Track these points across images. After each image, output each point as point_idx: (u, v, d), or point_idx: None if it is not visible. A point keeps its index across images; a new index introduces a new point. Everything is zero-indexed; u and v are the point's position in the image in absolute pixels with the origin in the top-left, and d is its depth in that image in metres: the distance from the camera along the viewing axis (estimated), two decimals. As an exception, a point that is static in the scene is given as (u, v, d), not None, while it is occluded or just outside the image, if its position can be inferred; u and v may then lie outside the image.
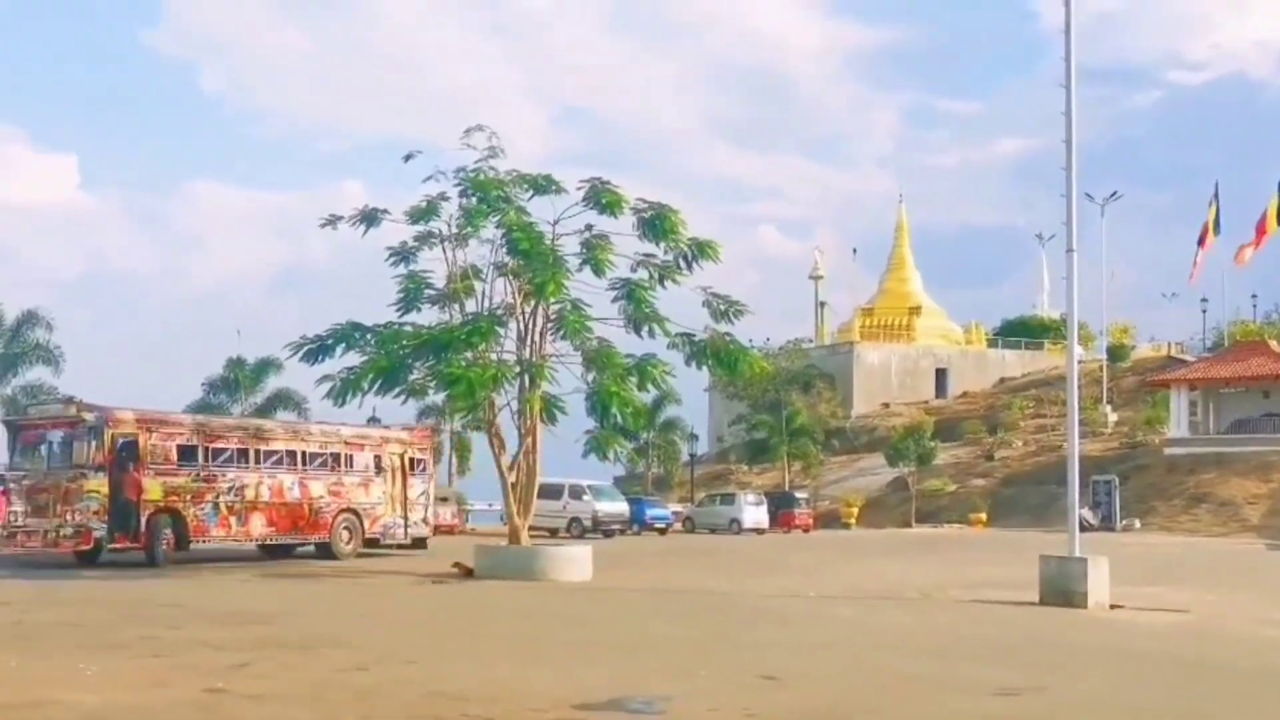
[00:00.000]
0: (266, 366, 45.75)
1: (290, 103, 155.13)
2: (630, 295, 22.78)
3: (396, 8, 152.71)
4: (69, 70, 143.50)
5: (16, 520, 24.28)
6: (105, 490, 23.63)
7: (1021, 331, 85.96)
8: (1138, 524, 49.82)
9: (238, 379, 46.61)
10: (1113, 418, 65.59)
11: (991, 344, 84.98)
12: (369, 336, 23.07)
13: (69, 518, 23.59)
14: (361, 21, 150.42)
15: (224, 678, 10.15)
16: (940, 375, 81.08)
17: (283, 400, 45.87)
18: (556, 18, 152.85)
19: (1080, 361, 34.26)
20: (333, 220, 23.97)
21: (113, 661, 11.01)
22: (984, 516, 54.73)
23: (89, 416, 24.18)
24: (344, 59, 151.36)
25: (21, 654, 11.42)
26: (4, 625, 13.74)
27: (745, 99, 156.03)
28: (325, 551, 27.25)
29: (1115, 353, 73.25)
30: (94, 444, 23.84)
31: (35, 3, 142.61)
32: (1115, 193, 69.28)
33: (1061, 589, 19.11)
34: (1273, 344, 58.05)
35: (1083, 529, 22.00)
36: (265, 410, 44.43)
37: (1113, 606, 18.90)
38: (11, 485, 25.21)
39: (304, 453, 27.38)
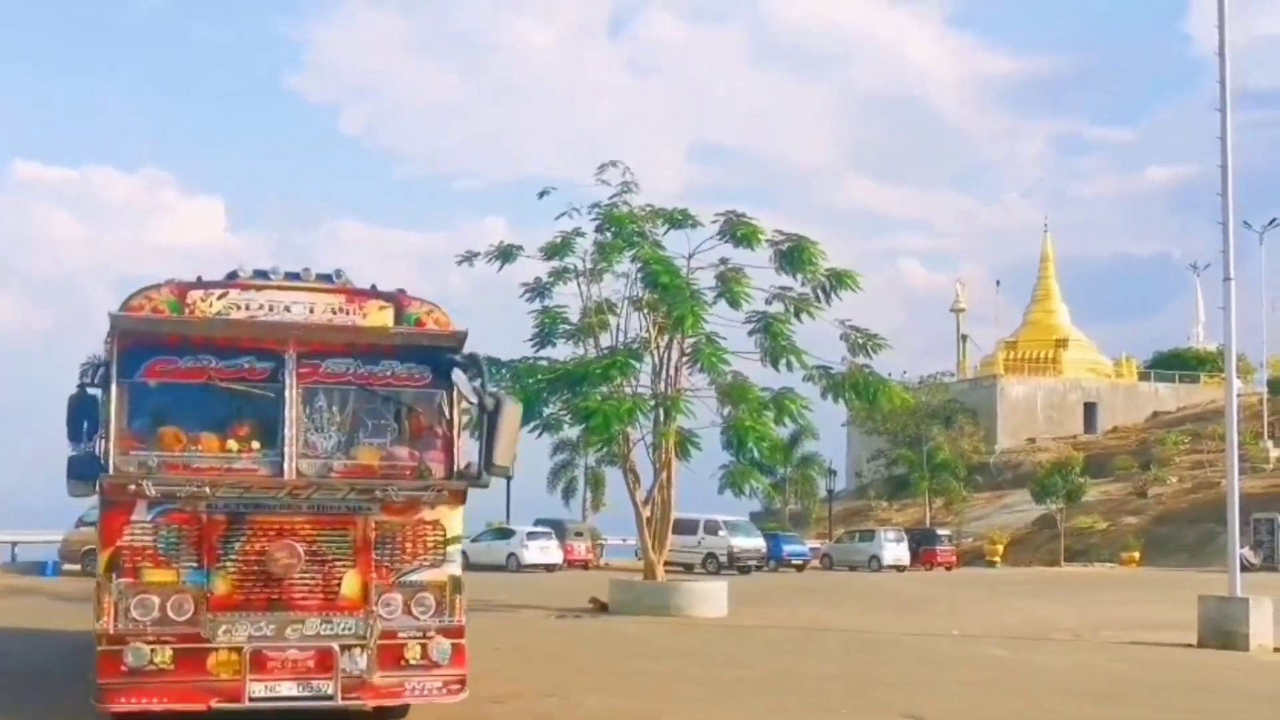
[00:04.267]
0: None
1: (429, 143, 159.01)
2: (766, 328, 22.54)
3: (535, 46, 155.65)
4: (215, 115, 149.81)
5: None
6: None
7: (1175, 364, 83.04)
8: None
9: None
10: (1275, 453, 62.77)
11: (1143, 377, 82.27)
12: (504, 371, 23.20)
13: None
14: (499, 61, 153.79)
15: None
16: (1089, 409, 78.69)
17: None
18: (694, 52, 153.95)
19: (1239, 394, 32.86)
20: (469, 257, 24.26)
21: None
22: (1136, 555, 52.75)
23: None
24: (482, 98, 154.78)
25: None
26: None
27: (887, 131, 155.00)
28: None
29: (1276, 386, 70.19)
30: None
31: (183, 51, 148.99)
32: (1275, 219, 66.58)
33: (1222, 630, 18.24)
34: None
35: (1243, 568, 21.02)
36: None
37: (1276, 649, 17.97)
38: None
39: None
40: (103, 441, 8.65)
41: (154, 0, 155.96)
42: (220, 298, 8.85)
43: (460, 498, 9.02)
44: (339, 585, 8.67)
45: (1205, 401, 73.79)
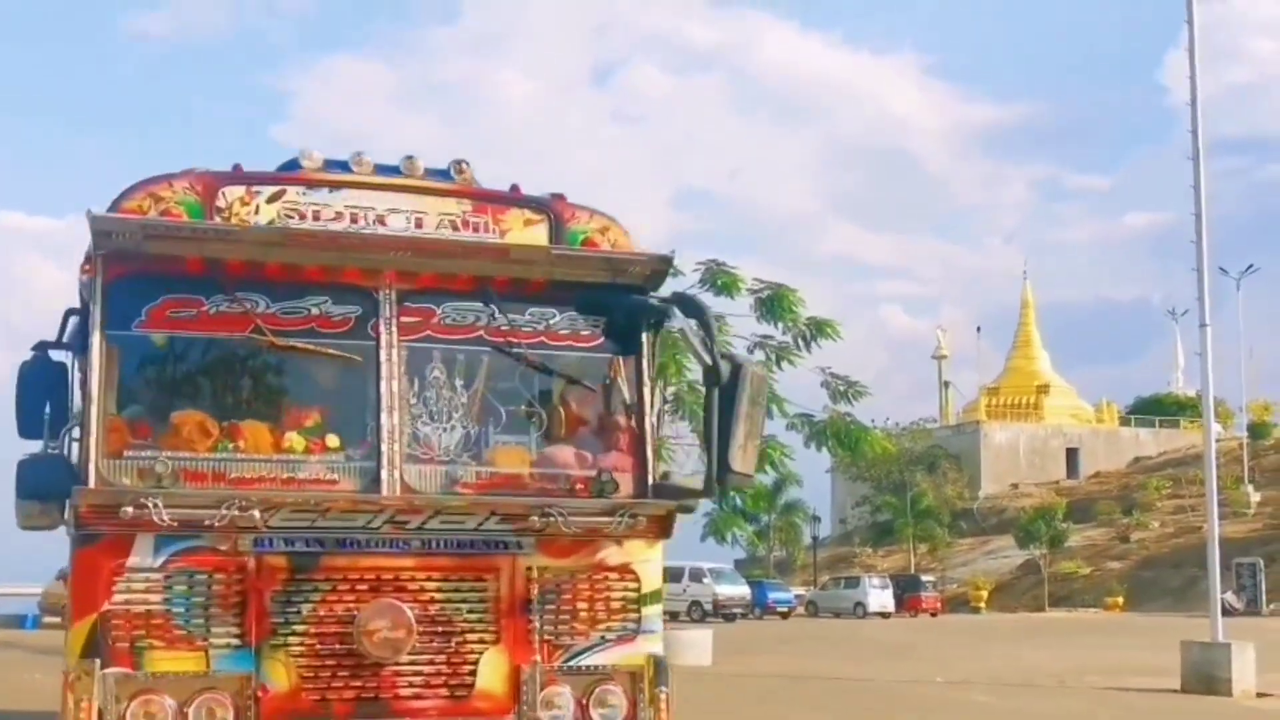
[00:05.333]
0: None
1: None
2: (748, 376, 22.59)
3: (517, 95, 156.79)
4: (198, 160, 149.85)
5: None
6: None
7: (1156, 409, 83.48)
8: (1286, 608, 47.53)
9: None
10: (1256, 498, 63.01)
11: (1125, 422, 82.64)
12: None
13: None
14: (482, 110, 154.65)
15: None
16: (1071, 455, 78.99)
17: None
18: (678, 102, 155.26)
19: (1219, 439, 33.11)
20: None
21: None
22: (1120, 600, 52.82)
23: None
24: (465, 148, 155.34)
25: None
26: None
27: (869, 178, 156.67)
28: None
29: (1256, 430, 70.61)
30: None
31: (165, 99, 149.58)
32: (1251, 266, 67.31)
33: (1205, 676, 18.27)
34: None
35: (1227, 613, 21.10)
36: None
37: (1260, 695, 18.01)
38: None
39: None
40: (77, 437, 5.49)
41: (143, 55, 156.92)
42: (272, 200, 5.63)
43: (662, 527, 5.83)
44: (472, 674, 5.47)
45: (1186, 446, 74.13)
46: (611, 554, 5.74)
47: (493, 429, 5.86)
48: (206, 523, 5.18)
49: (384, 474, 5.49)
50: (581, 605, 5.69)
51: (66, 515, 5.46)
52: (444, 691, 5.46)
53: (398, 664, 5.38)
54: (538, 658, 5.54)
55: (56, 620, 29.51)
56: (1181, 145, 20.08)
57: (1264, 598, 48.17)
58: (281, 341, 5.55)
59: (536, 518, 5.53)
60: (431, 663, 5.45)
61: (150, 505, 5.09)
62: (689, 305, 6.08)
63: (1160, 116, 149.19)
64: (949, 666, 22.55)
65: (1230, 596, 39.07)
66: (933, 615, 48.94)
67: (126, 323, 5.42)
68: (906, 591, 50.24)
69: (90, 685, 5.05)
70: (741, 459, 5.77)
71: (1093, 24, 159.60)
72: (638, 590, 5.82)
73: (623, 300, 6.01)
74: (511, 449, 5.89)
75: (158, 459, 5.29)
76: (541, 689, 5.51)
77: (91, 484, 5.20)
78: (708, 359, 5.78)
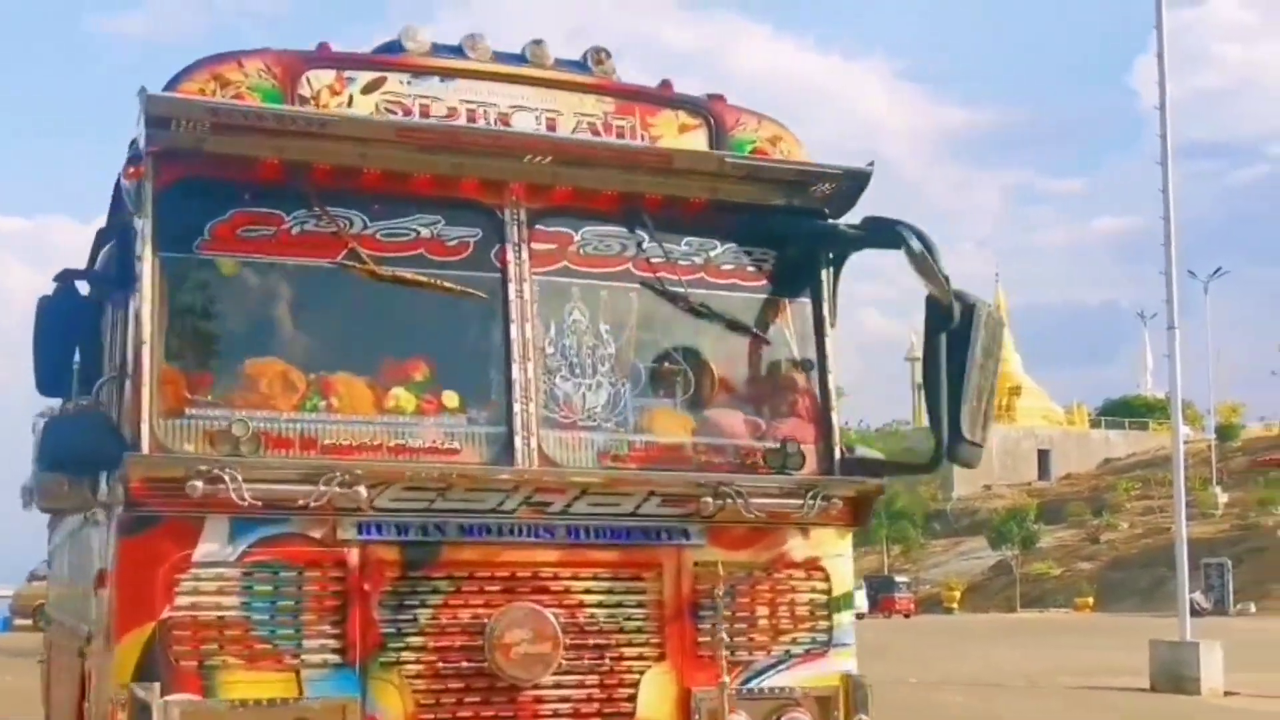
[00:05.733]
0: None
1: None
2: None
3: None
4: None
5: None
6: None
7: (1125, 411, 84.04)
8: (1253, 608, 48.02)
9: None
10: (1223, 499, 63.56)
11: (1095, 424, 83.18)
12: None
13: None
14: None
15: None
16: (1042, 456, 79.44)
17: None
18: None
19: (1187, 441, 33.43)
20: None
21: None
22: (1090, 600, 53.23)
23: None
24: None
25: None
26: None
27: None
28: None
29: (1224, 432, 71.20)
30: None
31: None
32: (1219, 269, 68.00)
33: (1173, 675, 18.48)
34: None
35: (1195, 613, 21.33)
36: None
37: (1227, 693, 18.22)
38: None
39: None
40: (122, 389, 4.37)
41: (116, 59, 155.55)
42: (369, 89, 4.49)
43: (858, 512, 4.78)
44: (631, 699, 4.41)
45: (1155, 448, 74.66)
46: (796, 546, 4.66)
47: (644, 387, 4.72)
48: (301, 502, 4.07)
49: (518, 442, 4.36)
50: (761, 611, 4.61)
51: (103, 493, 4.34)
52: None
53: (539, 687, 4.28)
54: (726, 679, 4.37)
55: (28, 623, 29.38)
56: (1151, 149, 20.25)
57: (1231, 598, 48.63)
58: (384, 270, 4.39)
59: (710, 498, 4.43)
60: (581, 685, 4.34)
61: (228, 478, 3.97)
62: (899, 232, 4.66)
63: (1131, 121, 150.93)
64: (924, 667, 22.68)
65: (1198, 596, 39.43)
66: (906, 616, 49.19)
67: (186, 243, 4.26)
68: (880, 592, 50.48)
69: (148, 718, 3.89)
70: (973, 424, 4.66)
71: (1064, 29, 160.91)
72: (827, 592, 4.74)
73: (805, 227, 4.89)
74: (668, 412, 4.73)
75: (234, 419, 4.12)
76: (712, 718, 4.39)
77: (144, 449, 4.03)
78: (940, 294, 4.64)
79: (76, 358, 4.59)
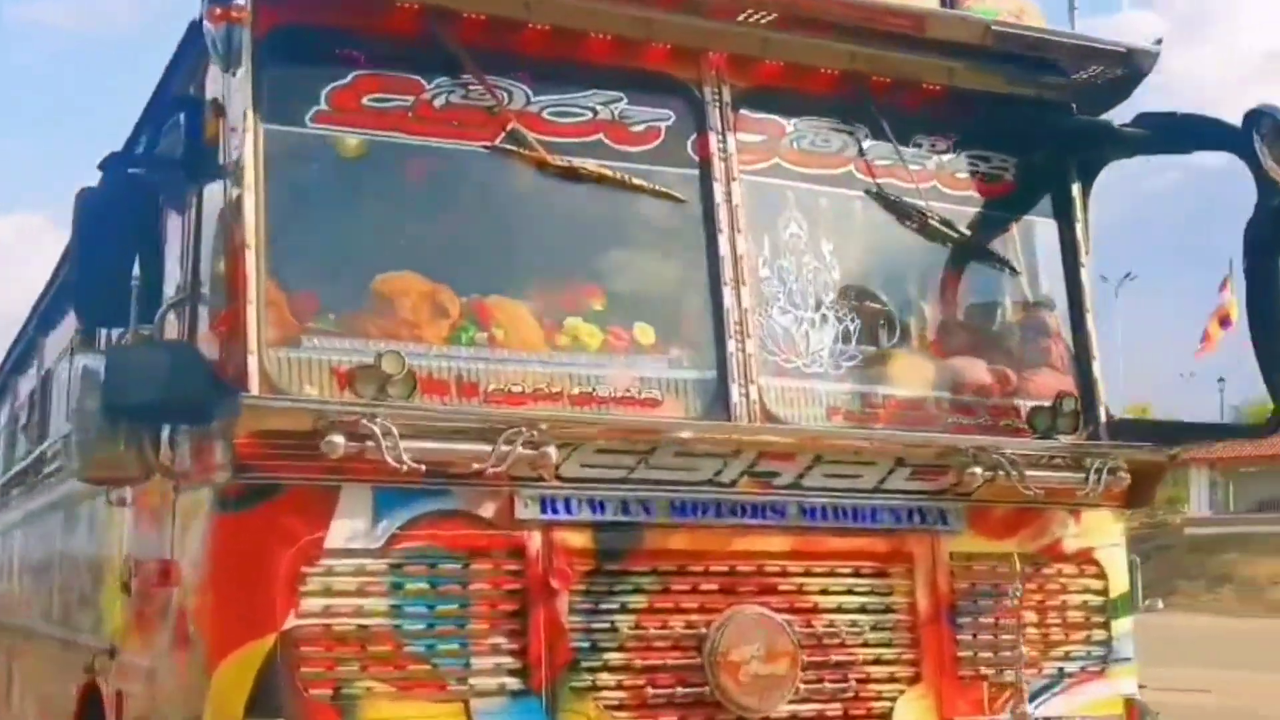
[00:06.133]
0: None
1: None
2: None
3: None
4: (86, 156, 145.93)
5: None
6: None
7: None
8: (1160, 604, 48.95)
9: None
10: (1135, 499, 64.90)
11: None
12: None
13: None
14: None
15: None
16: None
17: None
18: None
19: (1098, 439, 33.96)
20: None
21: None
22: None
23: None
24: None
25: None
26: None
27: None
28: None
29: (1136, 432, 72.72)
30: None
31: (70, 92, 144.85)
32: (1129, 273, 69.13)
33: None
34: (1293, 422, 57.48)
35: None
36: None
37: (1140, 687, 18.52)
38: None
39: None
40: (195, 313, 3.45)
41: (49, 46, 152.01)
42: None
43: (1143, 488, 3.84)
44: None
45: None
46: (1067, 533, 3.73)
47: (876, 326, 3.72)
48: (476, 467, 3.01)
49: (733, 391, 3.35)
50: (1030, 617, 3.69)
51: (184, 457, 3.28)
52: None
53: (772, 719, 3.29)
54: (966, 699, 3.44)
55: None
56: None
57: (1140, 594, 49.50)
58: (558, 159, 3.33)
59: (977, 469, 3.42)
60: (822, 717, 3.38)
61: (380, 432, 2.87)
62: (1221, 130, 3.62)
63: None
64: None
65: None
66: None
67: (296, 115, 3.18)
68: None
69: None
70: None
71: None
72: (1104, 592, 3.90)
73: (1070, 124, 3.87)
74: (907, 357, 3.75)
75: (382, 351, 3.02)
76: None
77: (255, 389, 2.92)
78: None
79: (135, 273, 3.31)
